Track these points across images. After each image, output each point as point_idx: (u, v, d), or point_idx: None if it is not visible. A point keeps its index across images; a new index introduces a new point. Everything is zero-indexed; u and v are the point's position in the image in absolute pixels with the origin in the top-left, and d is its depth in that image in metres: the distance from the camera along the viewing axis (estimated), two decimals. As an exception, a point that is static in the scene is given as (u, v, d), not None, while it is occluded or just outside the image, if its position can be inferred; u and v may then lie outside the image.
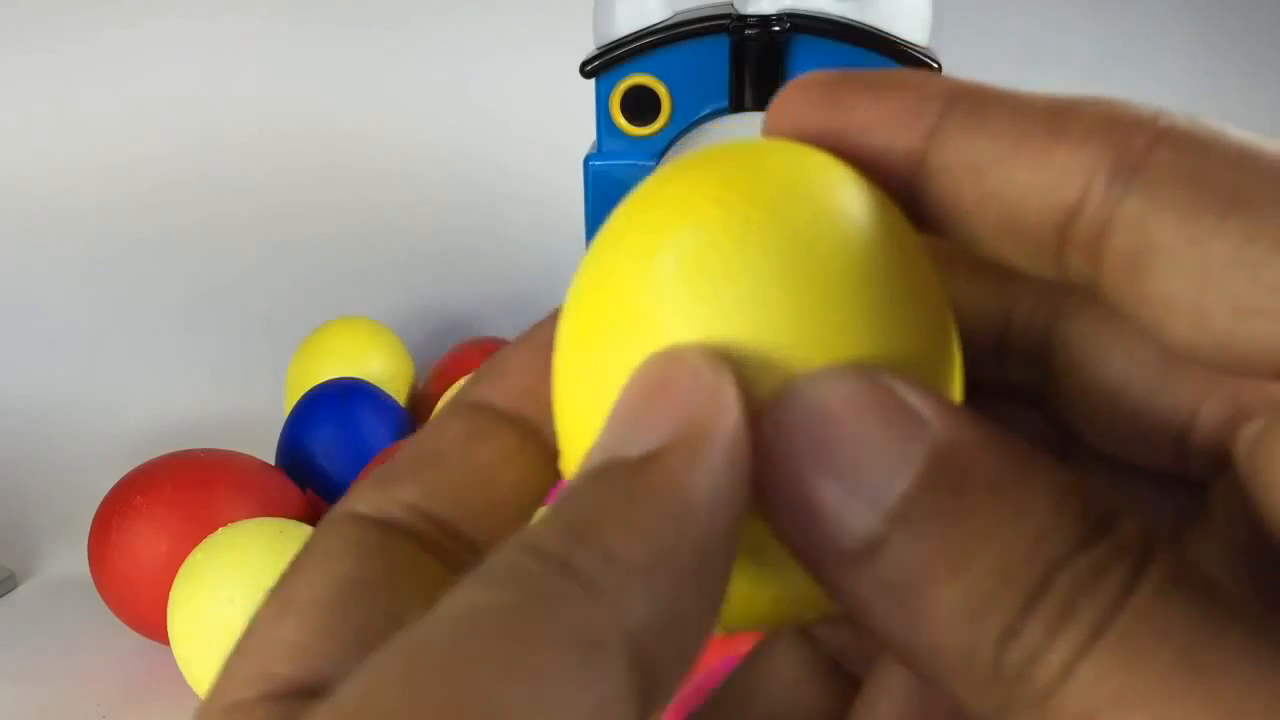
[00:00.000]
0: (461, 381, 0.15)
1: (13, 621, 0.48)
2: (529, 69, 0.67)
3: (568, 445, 0.13)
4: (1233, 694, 0.10)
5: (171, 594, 0.40)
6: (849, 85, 0.13)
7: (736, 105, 0.41)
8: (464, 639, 0.10)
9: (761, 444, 0.11)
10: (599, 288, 0.13)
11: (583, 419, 0.13)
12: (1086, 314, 0.14)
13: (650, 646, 0.10)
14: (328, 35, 0.67)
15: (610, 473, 0.11)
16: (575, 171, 0.43)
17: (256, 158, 0.67)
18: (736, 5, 0.40)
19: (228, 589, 0.38)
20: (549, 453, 0.14)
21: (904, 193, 0.13)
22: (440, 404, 0.44)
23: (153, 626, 0.42)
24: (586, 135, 0.44)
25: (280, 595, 0.13)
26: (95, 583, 0.44)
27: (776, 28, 0.39)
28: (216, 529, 0.40)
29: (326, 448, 0.50)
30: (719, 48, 0.40)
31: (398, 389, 0.57)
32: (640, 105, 0.41)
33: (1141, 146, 0.11)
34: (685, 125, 0.42)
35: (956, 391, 0.13)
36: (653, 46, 0.40)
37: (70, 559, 0.50)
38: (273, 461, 0.51)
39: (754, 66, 0.40)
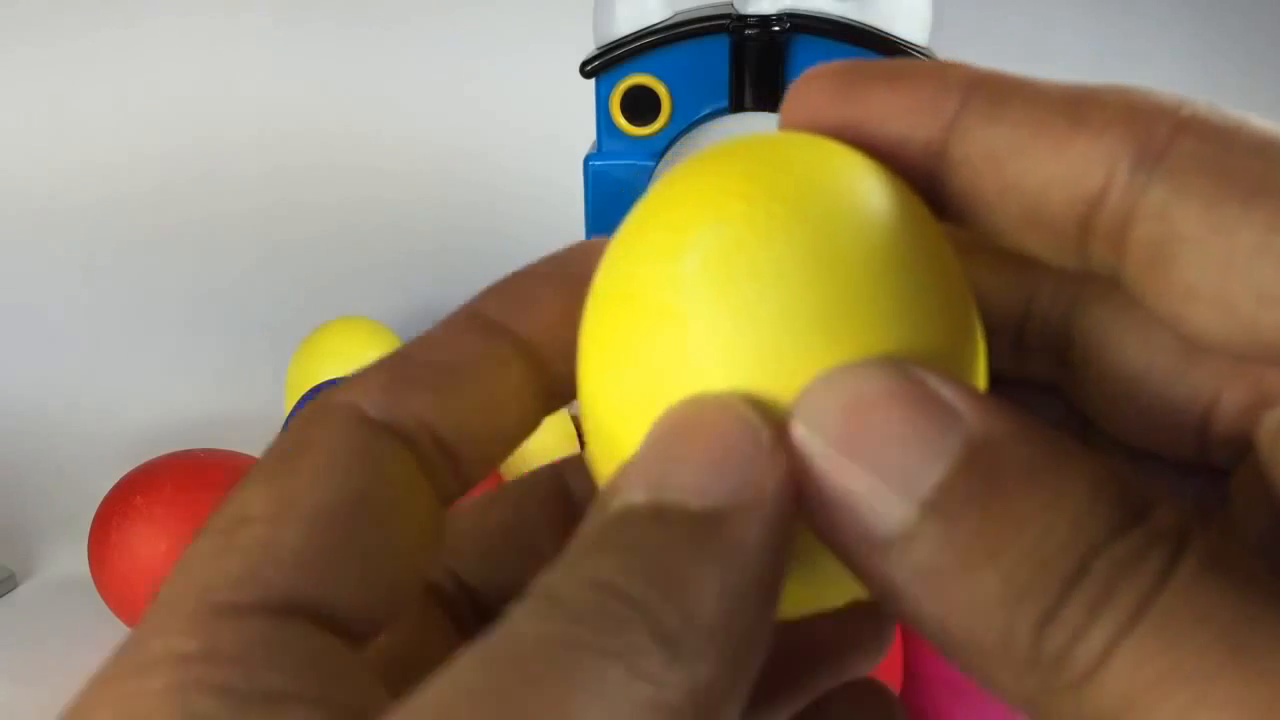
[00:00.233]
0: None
1: (13, 621, 0.48)
2: (529, 69, 0.67)
3: (598, 445, 0.13)
4: (1278, 671, 0.09)
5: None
6: (865, 76, 0.13)
7: (736, 105, 0.41)
8: (537, 671, 0.10)
9: (795, 437, 0.11)
10: (625, 287, 0.13)
11: (615, 420, 0.13)
12: (1106, 303, 0.14)
13: (712, 706, 0.10)
14: (328, 34, 0.67)
15: (676, 524, 0.11)
16: (575, 171, 0.43)
17: (256, 158, 0.67)
18: (736, 5, 0.40)
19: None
20: (550, 393, 0.14)
21: (923, 184, 0.13)
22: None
23: (153, 626, 0.42)
24: (587, 135, 0.44)
25: (279, 486, 0.12)
26: (95, 583, 0.44)
27: (776, 28, 0.39)
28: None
29: (326, 448, 0.50)
30: (719, 48, 0.40)
31: (398, 389, 0.57)
32: (640, 105, 0.41)
33: (1164, 135, 0.11)
34: (685, 125, 0.42)
35: (980, 381, 0.13)
36: (653, 46, 0.40)
37: (70, 559, 0.50)
38: (273, 461, 0.51)
39: (754, 66, 0.40)
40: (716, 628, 0.10)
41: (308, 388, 0.53)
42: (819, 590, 0.13)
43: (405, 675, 0.14)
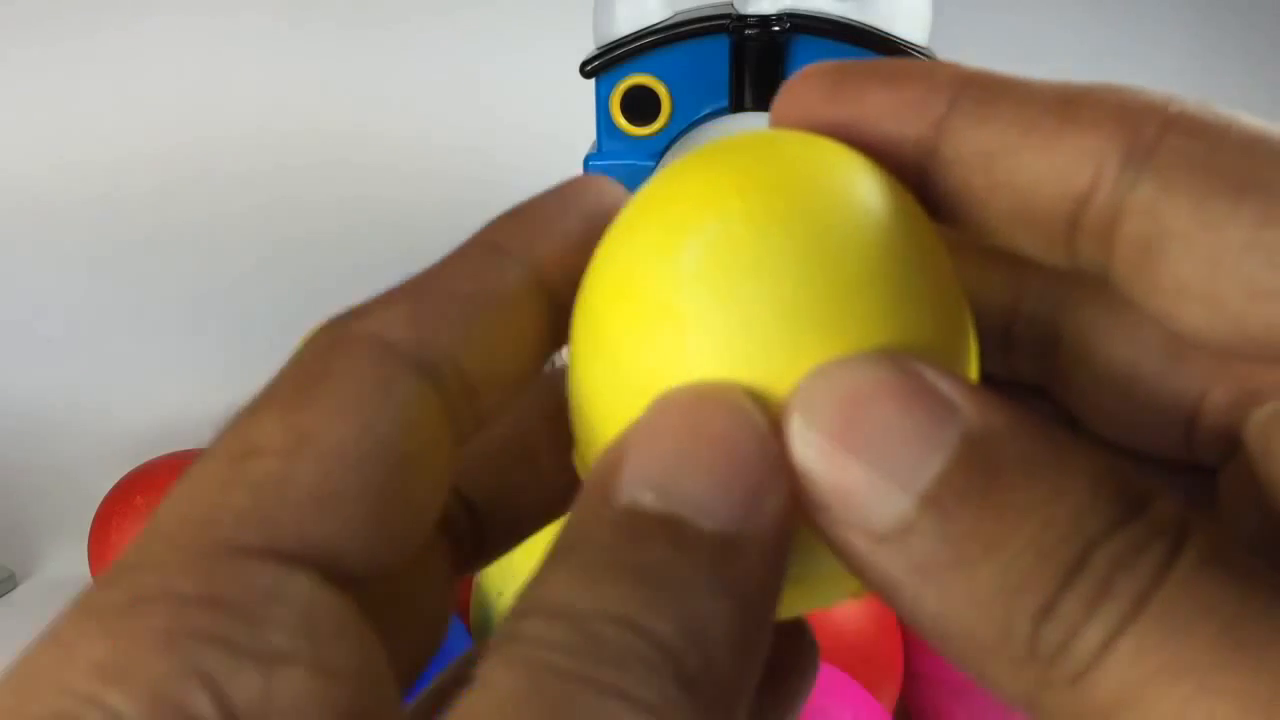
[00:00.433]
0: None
1: (13, 621, 0.48)
2: (529, 68, 0.67)
3: (590, 442, 0.13)
4: (1277, 664, 0.09)
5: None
6: (857, 75, 0.13)
7: (736, 105, 0.41)
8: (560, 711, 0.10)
9: (791, 430, 0.11)
10: (620, 284, 0.13)
11: (608, 416, 0.12)
12: (1092, 302, 0.14)
13: None
14: (329, 35, 0.67)
15: (694, 552, 0.11)
16: (575, 171, 0.43)
17: (256, 158, 0.67)
18: (736, 5, 0.40)
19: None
20: (557, 333, 0.14)
21: (914, 182, 0.13)
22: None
23: (153, 626, 0.42)
24: (586, 135, 0.44)
25: (296, 417, 0.11)
26: (95, 583, 0.44)
27: (776, 28, 0.39)
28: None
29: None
30: (719, 48, 0.40)
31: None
32: (640, 105, 0.41)
33: (1152, 132, 0.11)
34: (685, 125, 0.42)
35: (973, 375, 0.13)
36: (653, 46, 0.40)
37: (70, 559, 0.50)
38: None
39: (754, 66, 0.40)
40: (732, 666, 0.10)
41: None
42: (813, 589, 0.13)
43: (396, 599, 0.13)
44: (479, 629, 0.44)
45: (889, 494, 0.11)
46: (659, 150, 0.42)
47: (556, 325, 0.14)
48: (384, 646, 0.12)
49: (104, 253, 0.66)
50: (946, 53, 0.40)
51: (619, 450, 0.11)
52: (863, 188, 0.12)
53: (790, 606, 0.13)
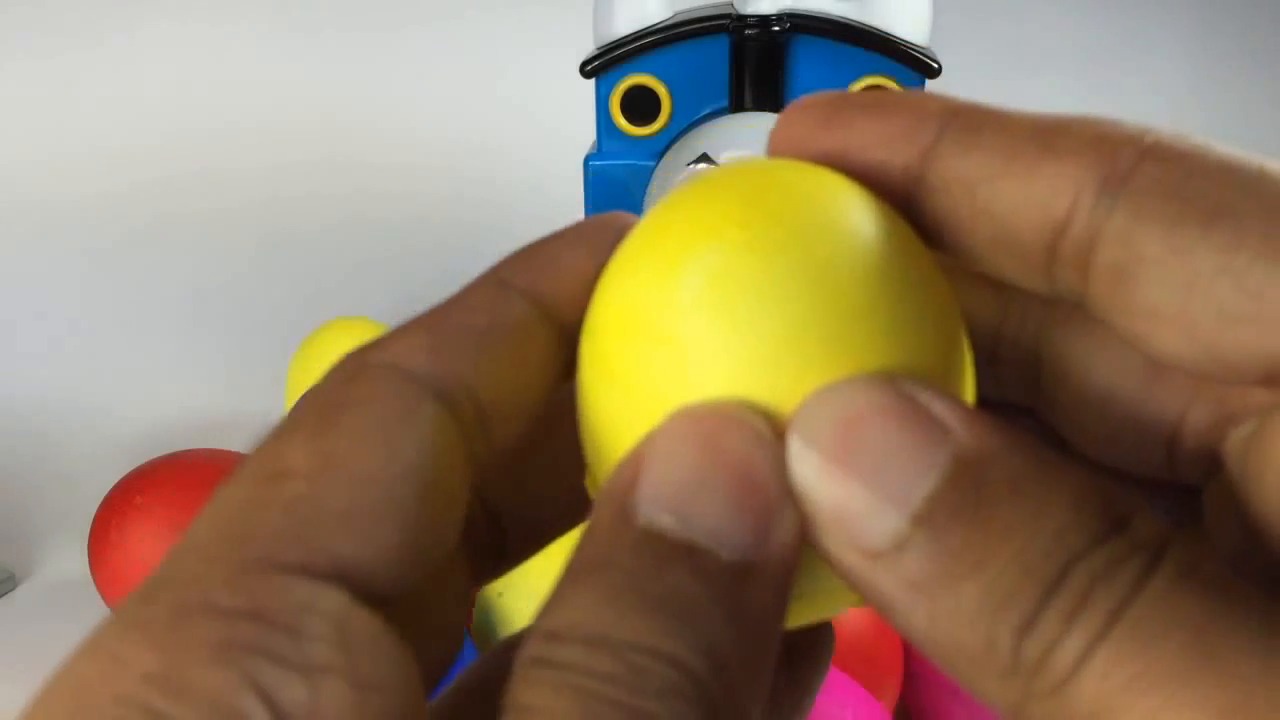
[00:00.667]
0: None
1: (13, 621, 0.48)
2: (529, 68, 0.67)
3: (598, 465, 0.14)
4: (1244, 676, 0.10)
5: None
6: (849, 106, 0.14)
7: (736, 105, 0.41)
8: None
9: (791, 451, 0.12)
10: (626, 314, 0.13)
11: (619, 444, 0.13)
12: (1073, 325, 0.15)
13: None
14: (330, 34, 0.67)
15: (714, 582, 0.11)
16: (575, 171, 0.43)
17: (256, 157, 0.67)
18: (736, 5, 0.40)
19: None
20: (567, 364, 0.14)
21: (903, 209, 0.13)
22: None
23: (153, 626, 0.42)
24: (586, 135, 0.44)
25: (322, 443, 0.12)
26: (95, 583, 0.44)
27: (776, 28, 0.39)
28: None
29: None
30: (719, 48, 0.40)
31: (397, 389, 0.57)
32: (640, 105, 0.41)
33: (1128, 162, 0.12)
34: (685, 125, 0.42)
35: (969, 396, 0.13)
36: (652, 46, 0.40)
37: (70, 559, 0.50)
38: (273, 461, 0.51)
39: (754, 66, 0.40)
40: (745, 689, 0.11)
41: (307, 388, 0.53)
42: (815, 603, 0.13)
43: (417, 614, 0.14)
44: (479, 630, 0.44)
45: (883, 512, 0.11)
46: (659, 150, 0.42)
47: (566, 356, 0.14)
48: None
49: (104, 253, 0.66)
50: (947, 53, 0.40)
51: (635, 462, 0.12)
52: (860, 215, 0.13)
53: (793, 619, 0.13)
